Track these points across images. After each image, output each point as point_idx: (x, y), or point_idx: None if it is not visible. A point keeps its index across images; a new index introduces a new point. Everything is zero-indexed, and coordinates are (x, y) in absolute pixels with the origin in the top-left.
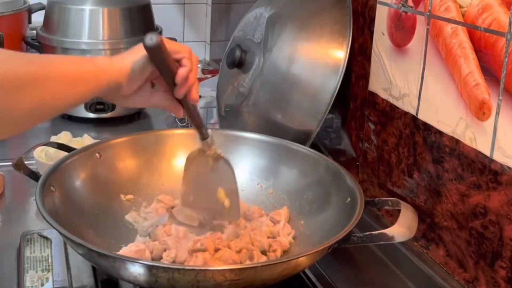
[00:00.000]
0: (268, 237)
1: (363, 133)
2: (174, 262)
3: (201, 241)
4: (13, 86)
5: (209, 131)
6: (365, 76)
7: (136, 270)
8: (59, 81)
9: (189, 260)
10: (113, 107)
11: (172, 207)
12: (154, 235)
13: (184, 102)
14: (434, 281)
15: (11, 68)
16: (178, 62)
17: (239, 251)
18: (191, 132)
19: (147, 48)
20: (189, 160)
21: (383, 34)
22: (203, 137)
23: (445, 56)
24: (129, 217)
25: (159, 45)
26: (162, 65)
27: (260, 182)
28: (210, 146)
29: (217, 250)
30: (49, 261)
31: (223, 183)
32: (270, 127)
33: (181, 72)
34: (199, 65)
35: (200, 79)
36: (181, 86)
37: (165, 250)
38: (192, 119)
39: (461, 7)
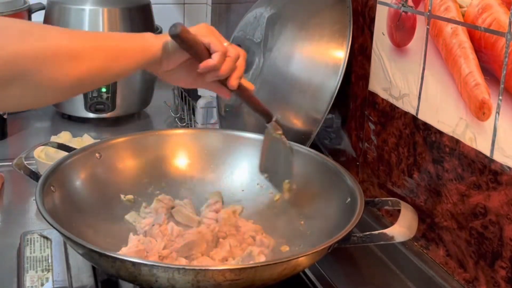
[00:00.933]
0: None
1: (363, 133)
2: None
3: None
4: (58, 59)
5: (275, 117)
6: (365, 76)
7: (136, 270)
8: (105, 55)
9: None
10: (113, 107)
11: (172, 207)
12: (150, 234)
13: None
14: (434, 281)
15: (56, 41)
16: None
17: (222, 260)
18: (191, 132)
19: (170, 36)
20: (267, 135)
21: (383, 34)
22: (267, 120)
23: (445, 56)
24: (129, 217)
25: (179, 35)
26: (190, 52)
27: (260, 182)
28: (275, 131)
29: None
30: (49, 261)
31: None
32: None
33: (204, 63)
34: None
35: None
36: (206, 75)
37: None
38: (248, 103)
39: (461, 7)
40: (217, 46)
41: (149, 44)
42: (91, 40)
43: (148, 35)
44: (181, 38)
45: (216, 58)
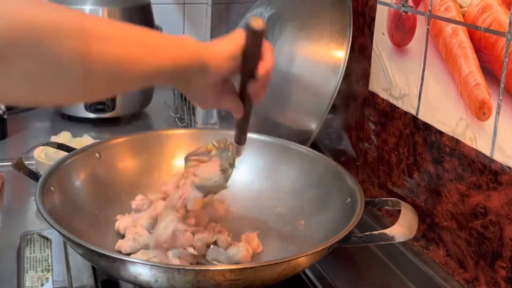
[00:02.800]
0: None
1: (363, 133)
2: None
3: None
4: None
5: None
6: (365, 76)
7: (136, 270)
8: (136, 44)
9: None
10: (113, 107)
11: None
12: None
13: (245, 102)
14: (434, 281)
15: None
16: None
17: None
18: (191, 132)
19: (255, 31)
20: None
21: (383, 34)
22: (239, 141)
23: (445, 56)
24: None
25: (265, 30)
26: (257, 52)
27: (259, 182)
28: (235, 154)
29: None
30: (49, 261)
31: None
32: (270, 127)
33: (266, 65)
34: None
35: None
36: (260, 81)
37: None
38: (242, 121)
39: (461, 7)
40: (269, 47)
41: (190, 44)
42: (122, 28)
43: (186, 37)
44: (263, 35)
45: (270, 59)
